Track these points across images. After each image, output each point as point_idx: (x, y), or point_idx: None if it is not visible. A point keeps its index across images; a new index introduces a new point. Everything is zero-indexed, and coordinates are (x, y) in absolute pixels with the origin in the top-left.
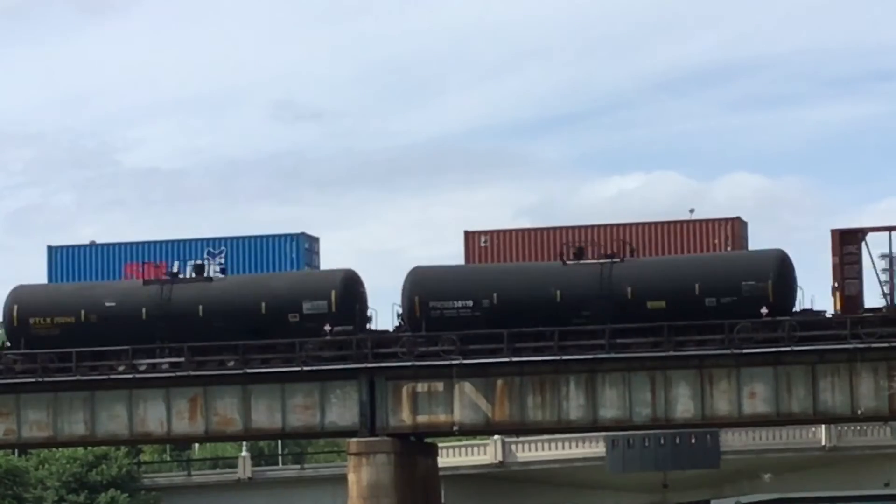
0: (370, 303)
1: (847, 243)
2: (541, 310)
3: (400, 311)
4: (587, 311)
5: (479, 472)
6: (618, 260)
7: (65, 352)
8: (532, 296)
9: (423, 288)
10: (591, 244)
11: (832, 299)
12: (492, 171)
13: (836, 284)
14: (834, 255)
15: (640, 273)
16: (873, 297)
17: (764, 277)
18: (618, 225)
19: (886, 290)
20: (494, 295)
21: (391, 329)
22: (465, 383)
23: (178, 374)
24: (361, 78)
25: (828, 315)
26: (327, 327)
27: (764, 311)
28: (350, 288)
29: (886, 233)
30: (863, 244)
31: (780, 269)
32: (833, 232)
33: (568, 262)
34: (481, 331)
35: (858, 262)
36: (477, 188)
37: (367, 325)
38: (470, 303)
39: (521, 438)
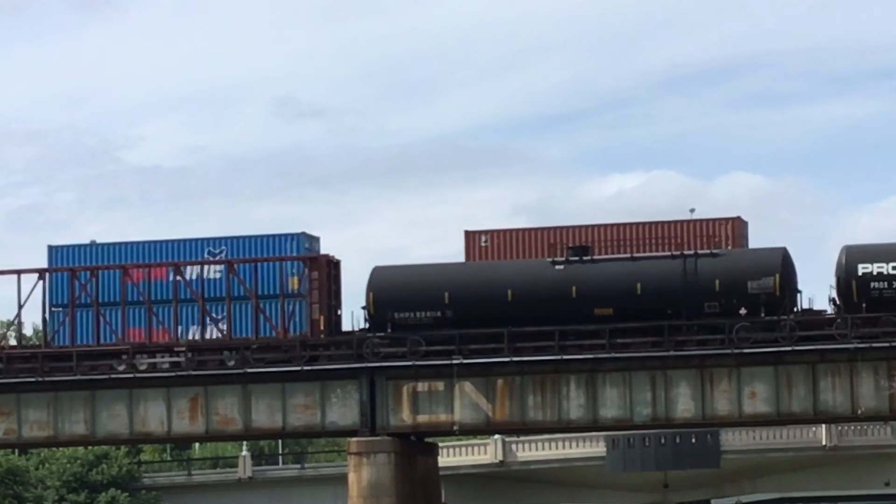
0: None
1: None
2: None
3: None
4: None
5: (480, 472)
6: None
7: (65, 351)
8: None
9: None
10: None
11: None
12: (493, 169)
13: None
14: None
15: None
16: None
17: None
18: (618, 224)
19: None
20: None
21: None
22: (466, 383)
23: (179, 373)
24: (363, 76)
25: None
26: None
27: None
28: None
29: None
30: None
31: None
32: None
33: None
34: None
35: None
36: (478, 186)
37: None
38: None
39: (522, 438)
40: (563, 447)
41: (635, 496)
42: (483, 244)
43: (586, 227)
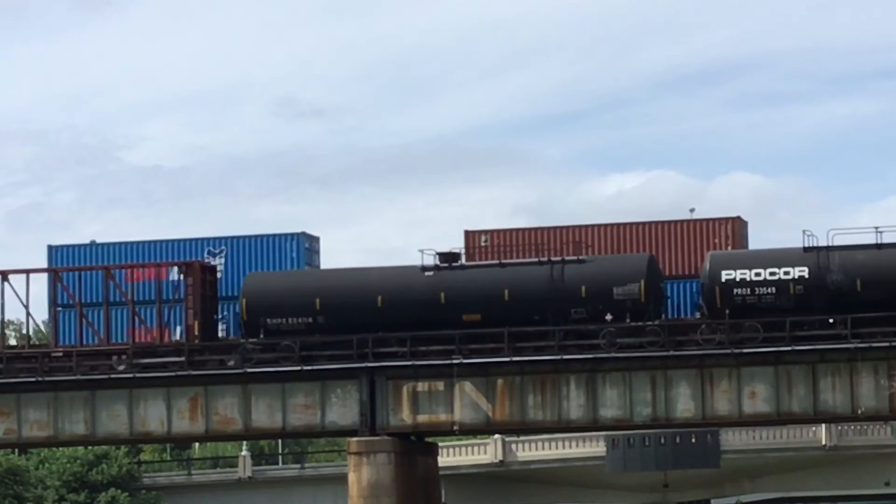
0: None
1: None
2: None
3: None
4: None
5: (480, 472)
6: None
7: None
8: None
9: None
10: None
11: None
12: (493, 169)
13: None
14: None
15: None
16: None
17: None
18: (617, 224)
19: None
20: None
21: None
22: (466, 383)
23: (179, 373)
24: (363, 76)
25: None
26: None
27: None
28: None
29: None
30: None
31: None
32: None
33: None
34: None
35: None
36: (478, 186)
37: None
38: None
39: (522, 438)
40: (563, 447)
41: (635, 496)
42: (483, 244)
43: (586, 226)
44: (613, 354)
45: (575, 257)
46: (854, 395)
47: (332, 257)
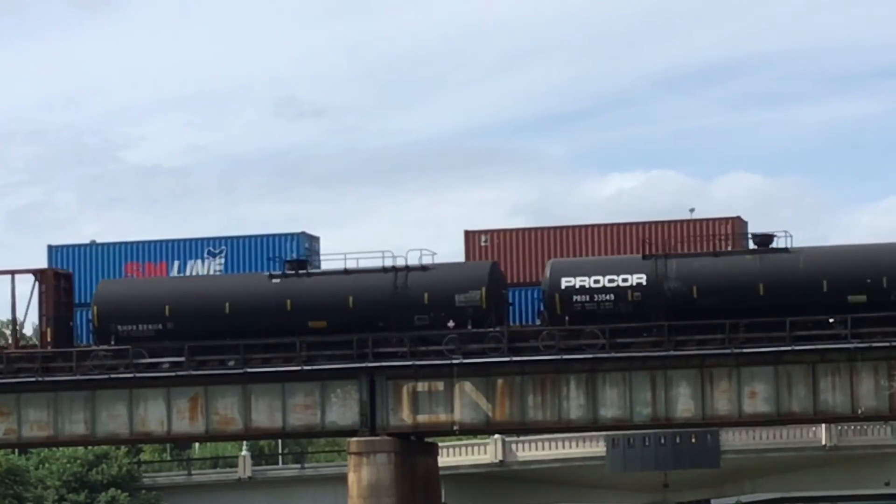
0: None
1: None
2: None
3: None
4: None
5: (480, 472)
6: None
7: (66, 351)
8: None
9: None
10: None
11: None
12: (493, 169)
13: None
14: None
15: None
16: None
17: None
18: (618, 224)
19: None
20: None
21: None
22: (466, 383)
23: (179, 373)
24: (363, 76)
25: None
26: None
27: (451, 324)
28: None
29: None
30: None
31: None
32: None
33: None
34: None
35: None
36: (478, 186)
37: None
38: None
39: (522, 438)
40: (563, 447)
41: (635, 496)
42: (483, 244)
43: (586, 226)
44: (613, 354)
45: (419, 265)
46: (854, 395)
47: (332, 258)
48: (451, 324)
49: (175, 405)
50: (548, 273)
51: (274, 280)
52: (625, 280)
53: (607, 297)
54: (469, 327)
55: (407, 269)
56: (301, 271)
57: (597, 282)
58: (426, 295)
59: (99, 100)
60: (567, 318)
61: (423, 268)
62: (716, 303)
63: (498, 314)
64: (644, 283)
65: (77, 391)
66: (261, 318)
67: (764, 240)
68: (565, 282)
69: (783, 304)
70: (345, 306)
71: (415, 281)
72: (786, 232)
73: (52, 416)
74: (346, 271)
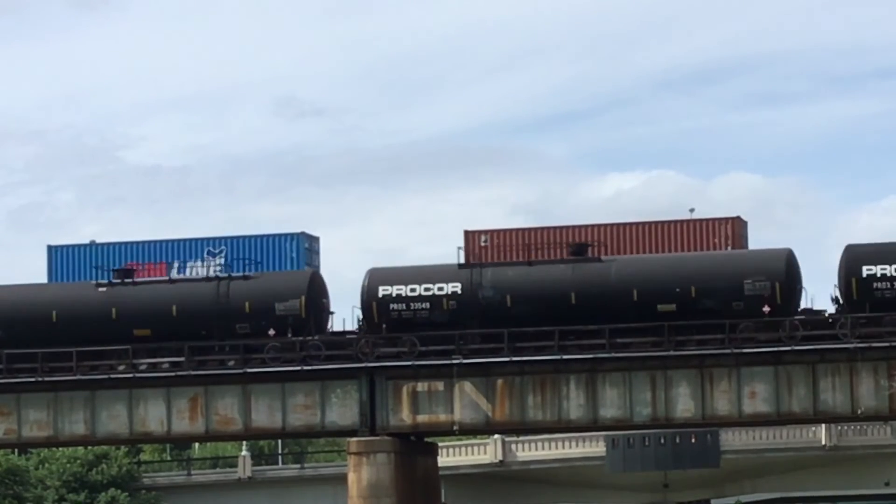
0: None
1: None
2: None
3: None
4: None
5: (479, 472)
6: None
7: (64, 351)
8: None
9: None
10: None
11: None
12: (493, 169)
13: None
14: None
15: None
16: None
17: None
18: (618, 224)
19: None
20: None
21: None
22: (466, 383)
23: (179, 373)
24: (363, 76)
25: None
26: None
27: (272, 332)
28: None
29: None
30: None
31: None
32: None
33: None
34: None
35: None
36: (478, 186)
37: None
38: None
39: (522, 438)
40: (563, 447)
41: (635, 496)
42: (483, 244)
43: (586, 226)
44: (613, 354)
45: (241, 274)
46: (854, 395)
47: (333, 258)
48: (271, 332)
49: (175, 405)
50: (366, 281)
51: (100, 289)
52: (440, 289)
53: (423, 305)
54: (289, 335)
55: (230, 278)
56: (127, 280)
57: (413, 290)
58: (247, 304)
59: (99, 100)
60: (384, 325)
61: (246, 276)
62: (529, 310)
63: (318, 322)
64: (459, 291)
65: (77, 391)
66: (87, 327)
67: (578, 249)
68: (382, 290)
69: (595, 312)
70: (168, 315)
71: (237, 290)
72: (599, 241)
73: (51, 416)
74: (171, 280)
